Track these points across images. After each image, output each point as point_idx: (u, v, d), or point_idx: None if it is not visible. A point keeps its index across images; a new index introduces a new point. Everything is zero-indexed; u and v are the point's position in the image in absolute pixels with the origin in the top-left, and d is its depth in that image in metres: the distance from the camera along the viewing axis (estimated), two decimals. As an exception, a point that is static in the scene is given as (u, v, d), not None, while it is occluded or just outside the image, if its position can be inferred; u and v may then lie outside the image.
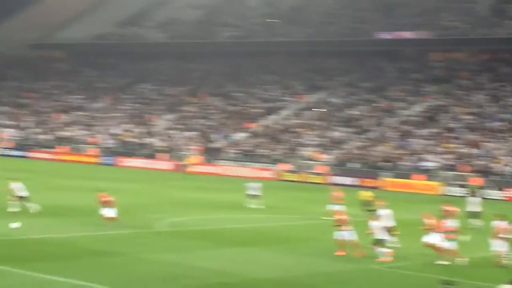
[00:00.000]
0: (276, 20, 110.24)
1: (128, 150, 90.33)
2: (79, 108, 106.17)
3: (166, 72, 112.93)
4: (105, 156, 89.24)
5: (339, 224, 31.37)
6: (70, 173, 72.18)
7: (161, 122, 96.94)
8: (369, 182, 69.79)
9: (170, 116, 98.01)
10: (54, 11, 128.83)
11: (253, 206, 47.56)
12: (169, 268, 27.59)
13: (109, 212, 36.05)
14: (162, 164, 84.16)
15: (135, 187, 60.82)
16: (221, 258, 30.10)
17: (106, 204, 36.36)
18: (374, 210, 35.73)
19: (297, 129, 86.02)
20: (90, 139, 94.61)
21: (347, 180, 71.06)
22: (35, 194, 50.30)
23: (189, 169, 79.83)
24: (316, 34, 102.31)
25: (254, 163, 79.85)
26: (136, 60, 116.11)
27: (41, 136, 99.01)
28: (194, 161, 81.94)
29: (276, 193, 59.43)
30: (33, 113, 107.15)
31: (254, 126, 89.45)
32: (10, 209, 38.89)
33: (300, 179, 74.44)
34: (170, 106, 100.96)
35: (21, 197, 39.66)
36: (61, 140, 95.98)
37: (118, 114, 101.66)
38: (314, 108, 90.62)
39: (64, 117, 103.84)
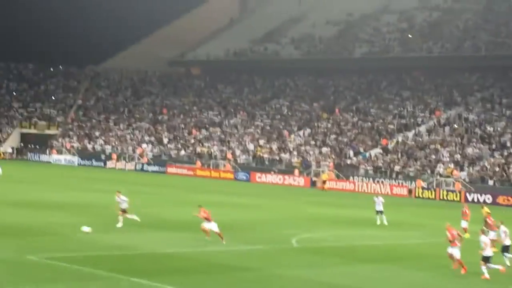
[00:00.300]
0: (412, 36, 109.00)
1: (263, 165, 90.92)
2: (215, 124, 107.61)
3: (301, 88, 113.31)
4: (241, 171, 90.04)
5: (450, 240, 30.94)
6: (206, 188, 73.05)
7: (296, 138, 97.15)
8: (505, 199, 67.92)
9: (305, 132, 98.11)
10: (192, 29, 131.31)
11: (378, 222, 46.93)
12: (302, 284, 27.45)
13: (210, 226, 35.91)
14: (297, 180, 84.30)
15: (269, 203, 61.02)
16: (355, 275, 29.76)
17: (207, 218, 36.23)
18: (487, 227, 35.17)
19: (432, 146, 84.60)
20: (226, 155, 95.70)
21: (483, 198, 69.32)
22: (171, 208, 51.29)
23: (323, 185, 79.62)
24: (453, 49, 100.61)
25: (388, 180, 78.97)
26: (271, 76, 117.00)
27: (178, 152, 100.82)
28: (328, 177, 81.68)
29: (410, 210, 58.51)
30: (171, 129, 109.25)
31: (388, 143, 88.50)
32: (119, 225, 39.16)
33: (435, 196, 73.15)
34: (304, 122, 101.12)
35: (123, 210, 39.51)
36: (198, 156, 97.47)
37: (253, 130, 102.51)
38: (450, 124, 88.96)
39: (200, 133, 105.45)
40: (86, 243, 33.48)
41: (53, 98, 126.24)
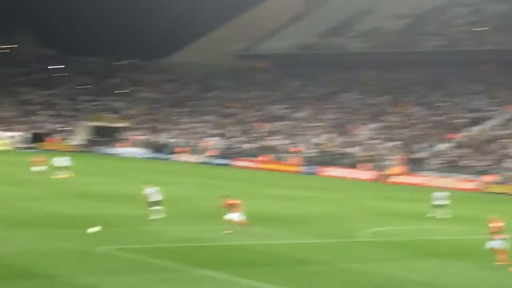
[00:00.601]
0: (483, 28, 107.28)
1: (330, 159, 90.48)
2: (282, 118, 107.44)
3: (369, 81, 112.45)
4: (307, 165, 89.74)
5: (492, 232, 30.33)
6: (272, 182, 72.97)
7: (363, 131, 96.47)
8: None
9: (372, 126, 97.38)
10: (260, 22, 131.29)
11: (437, 216, 46.32)
12: (370, 278, 27.13)
13: (233, 217, 35.48)
14: (364, 174, 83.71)
15: (336, 197, 60.73)
16: (424, 270, 29.31)
17: (232, 208, 35.79)
18: None
19: (504, 140, 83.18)
20: (292, 148, 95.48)
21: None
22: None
23: (391, 179, 78.87)
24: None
25: (457, 174, 77.90)
26: (339, 70, 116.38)
27: (245, 145, 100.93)
28: (396, 171, 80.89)
29: (480, 205, 57.59)
30: (238, 123, 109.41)
31: (458, 137, 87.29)
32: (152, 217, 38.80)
33: (506, 191, 71.91)
34: (372, 116, 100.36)
35: (154, 202, 38.88)
36: (264, 149, 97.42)
37: (320, 124, 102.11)
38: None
39: (267, 127, 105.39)
40: (154, 235, 33.62)
41: (121, 91, 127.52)
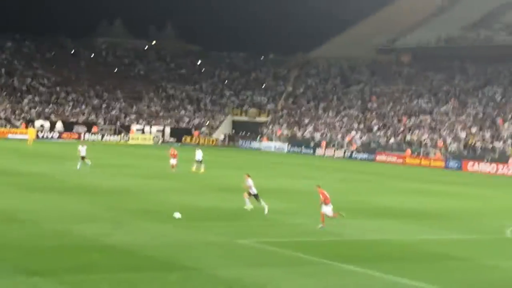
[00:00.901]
0: None
1: (476, 154, 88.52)
2: (425, 112, 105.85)
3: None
4: (452, 160, 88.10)
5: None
6: (416, 176, 72.00)
7: (510, 126, 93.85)
8: None
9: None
10: (401, 15, 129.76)
11: None
12: (517, 276, 26.41)
13: (327, 210, 34.58)
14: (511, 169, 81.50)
15: (482, 192, 59.32)
16: None
17: (325, 200, 34.91)
18: None
19: None
20: (436, 143, 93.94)
21: None
22: (379, 196, 50.84)
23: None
24: None
25: None
26: (484, 63, 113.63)
27: (388, 140, 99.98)
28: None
29: None
30: (380, 117, 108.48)
31: None
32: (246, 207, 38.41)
33: None
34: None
35: (254, 195, 38.35)
36: (407, 144, 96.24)
37: (465, 118, 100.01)
38: None
39: (410, 121, 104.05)
40: (296, 229, 33.69)
41: (263, 86, 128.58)
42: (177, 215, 33.47)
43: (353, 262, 26.60)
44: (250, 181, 37.96)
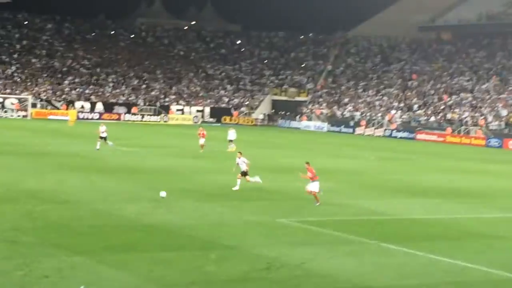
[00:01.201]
0: None
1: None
2: (466, 90, 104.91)
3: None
4: (493, 138, 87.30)
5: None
6: (456, 155, 71.51)
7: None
8: None
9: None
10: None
11: None
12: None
13: (311, 187, 34.22)
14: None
15: (524, 170, 58.76)
16: None
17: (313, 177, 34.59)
18: None
19: None
20: (477, 121, 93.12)
21: None
22: (420, 175, 50.57)
23: None
24: None
25: None
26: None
27: (428, 118, 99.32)
28: None
29: None
30: (420, 95, 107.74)
31: None
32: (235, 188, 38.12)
33: None
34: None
35: (243, 173, 37.84)
36: (448, 122, 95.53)
37: (507, 95, 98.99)
38: None
39: (451, 99, 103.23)
40: (336, 208, 33.62)
41: (303, 65, 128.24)
42: (163, 194, 33.46)
43: (393, 241, 26.51)
44: (242, 159, 37.64)
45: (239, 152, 38.69)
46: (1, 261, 21.29)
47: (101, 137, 55.79)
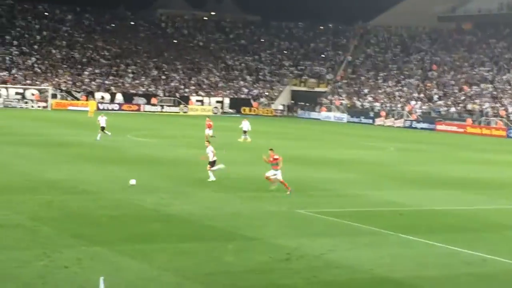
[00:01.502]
0: None
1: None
2: (487, 80, 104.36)
3: None
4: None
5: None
6: (477, 146, 71.21)
7: None
8: None
9: None
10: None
11: None
12: None
13: (271, 173, 34.13)
14: None
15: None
16: None
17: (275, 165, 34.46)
18: None
19: None
20: (498, 112, 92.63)
21: None
22: (440, 166, 50.36)
23: None
24: None
25: None
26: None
27: (449, 109, 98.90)
28: None
29: None
30: (440, 86, 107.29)
31: None
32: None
33: None
34: None
35: (211, 162, 37.51)
36: (468, 113, 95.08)
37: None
38: None
39: (471, 90, 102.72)
40: (354, 199, 33.56)
41: (322, 55, 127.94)
42: (133, 181, 33.50)
43: (413, 232, 26.41)
44: (210, 148, 37.43)
45: (207, 141, 38.45)
46: (22, 251, 21.38)
47: (102, 128, 56.19)
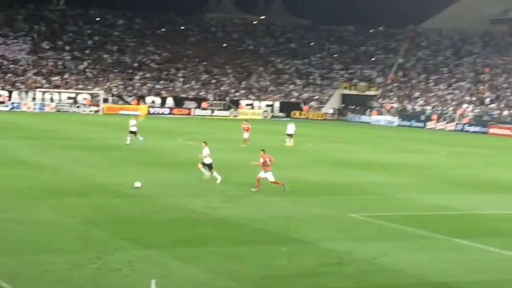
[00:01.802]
0: None
1: None
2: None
3: None
4: None
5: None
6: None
7: None
8: None
9: None
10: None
11: None
12: None
13: (268, 176, 33.79)
14: None
15: None
16: None
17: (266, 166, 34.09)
18: None
19: None
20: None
21: None
22: (492, 169, 49.78)
23: None
24: None
25: None
26: None
27: (501, 112, 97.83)
28: None
29: None
30: (493, 89, 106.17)
31: None
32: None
33: None
34: None
35: (207, 165, 37.10)
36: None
37: None
38: None
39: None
40: (407, 203, 33.34)
41: (373, 59, 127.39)
42: (137, 184, 33.50)
43: (465, 236, 26.16)
44: (206, 150, 37.19)
45: (204, 142, 38.16)
46: (75, 254, 21.59)
47: (131, 132, 55.32)
